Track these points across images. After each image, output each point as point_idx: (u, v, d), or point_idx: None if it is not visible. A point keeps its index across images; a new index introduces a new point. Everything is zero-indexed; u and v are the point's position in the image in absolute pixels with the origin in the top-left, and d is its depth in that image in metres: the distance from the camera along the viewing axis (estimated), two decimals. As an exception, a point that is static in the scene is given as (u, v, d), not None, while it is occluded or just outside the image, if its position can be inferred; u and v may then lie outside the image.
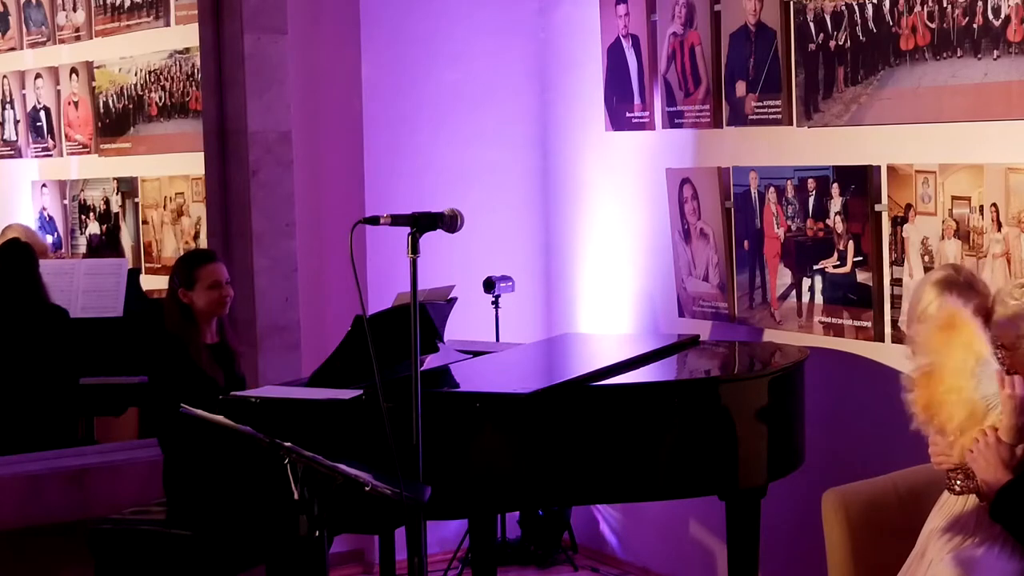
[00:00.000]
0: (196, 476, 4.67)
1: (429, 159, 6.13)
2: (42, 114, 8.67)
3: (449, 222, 3.72)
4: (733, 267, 5.38)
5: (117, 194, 8.08)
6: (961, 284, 3.70)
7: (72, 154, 8.49)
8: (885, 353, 4.81)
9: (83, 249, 8.28)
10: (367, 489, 3.43)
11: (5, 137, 9.01)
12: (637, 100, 5.79)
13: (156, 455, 5.08)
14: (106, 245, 8.14)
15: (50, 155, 8.69)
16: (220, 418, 3.64)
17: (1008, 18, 4.28)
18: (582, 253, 6.26)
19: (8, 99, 8.96)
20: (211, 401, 4.27)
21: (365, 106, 6.00)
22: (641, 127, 5.79)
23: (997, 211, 4.36)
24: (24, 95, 8.82)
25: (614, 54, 5.89)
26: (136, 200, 7.96)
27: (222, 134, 5.88)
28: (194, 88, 7.39)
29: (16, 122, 8.91)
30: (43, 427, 6.25)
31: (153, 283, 7.62)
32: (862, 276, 4.87)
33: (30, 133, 8.79)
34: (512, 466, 4.24)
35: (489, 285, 5.97)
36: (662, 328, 5.77)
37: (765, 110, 5.17)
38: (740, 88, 5.26)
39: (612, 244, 6.07)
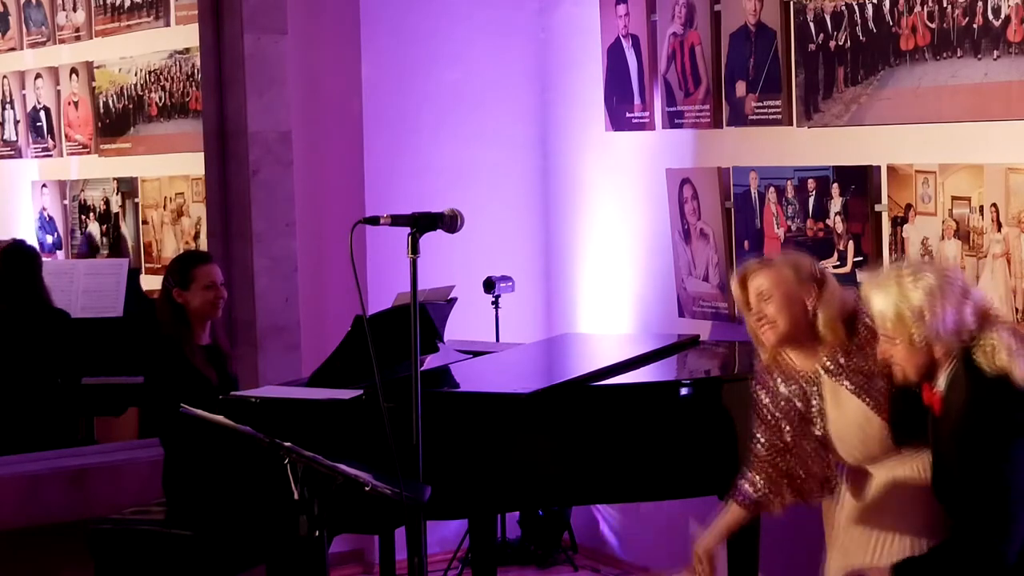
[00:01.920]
0: (196, 476, 4.67)
1: (429, 159, 6.12)
2: (42, 114, 8.67)
3: (449, 222, 3.72)
4: (733, 267, 5.36)
5: (117, 194, 8.08)
6: None
7: (72, 154, 8.50)
8: (885, 353, 4.80)
9: (83, 249, 8.28)
10: (367, 489, 3.43)
11: (5, 137, 9.01)
12: (637, 100, 5.79)
13: (156, 455, 5.08)
14: (106, 245, 8.14)
15: (50, 155, 8.69)
16: (220, 418, 3.64)
17: (1008, 18, 4.28)
18: (582, 253, 6.25)
19: (8, 99, 8.96)
20: (210, 401, 4.27)
21: (365, 106, 5.99)
22: (641, 127, 5.79)
23: (997, 211, 4.36)
24: (24, 95, 8.82)
25: (614, 54, 5.89)
26: (136, 200, 7.96)
27: (222, 134, 5.88)
28: (194, 88, 7.39)
29: (16, 122, 8.91)
30: (43, 427, 6.26)
31: (153, 283, 7.62)
32: (862, 276, 4.86)
33: (30, 133, 8.79)
34: (512, 466, 4.24)
35: (489, 285, 5.96)
36: (662, 328, 5.76)
37: (765, 110, 5.16)
38: (740, 88, 5.26)
39: (612, 244, 6.07)
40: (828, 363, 3.71)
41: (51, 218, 8.58)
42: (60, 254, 8.44)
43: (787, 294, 3.71)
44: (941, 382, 3.42)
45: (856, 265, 4.88)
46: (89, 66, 8.27)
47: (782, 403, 3.79)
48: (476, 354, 5.09)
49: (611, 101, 5.94)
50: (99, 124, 8.21)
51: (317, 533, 3.45)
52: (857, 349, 3.68)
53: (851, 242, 4.89)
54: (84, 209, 8.32)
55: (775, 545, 5.02)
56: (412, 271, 3.62)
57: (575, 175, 6.26)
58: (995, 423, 3.30)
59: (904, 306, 3.38)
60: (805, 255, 3.86)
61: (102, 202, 8.18)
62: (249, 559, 4.69)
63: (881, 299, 3.44)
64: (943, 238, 4.55)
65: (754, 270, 3.79)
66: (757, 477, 3.83)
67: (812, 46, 4.96)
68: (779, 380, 3.80)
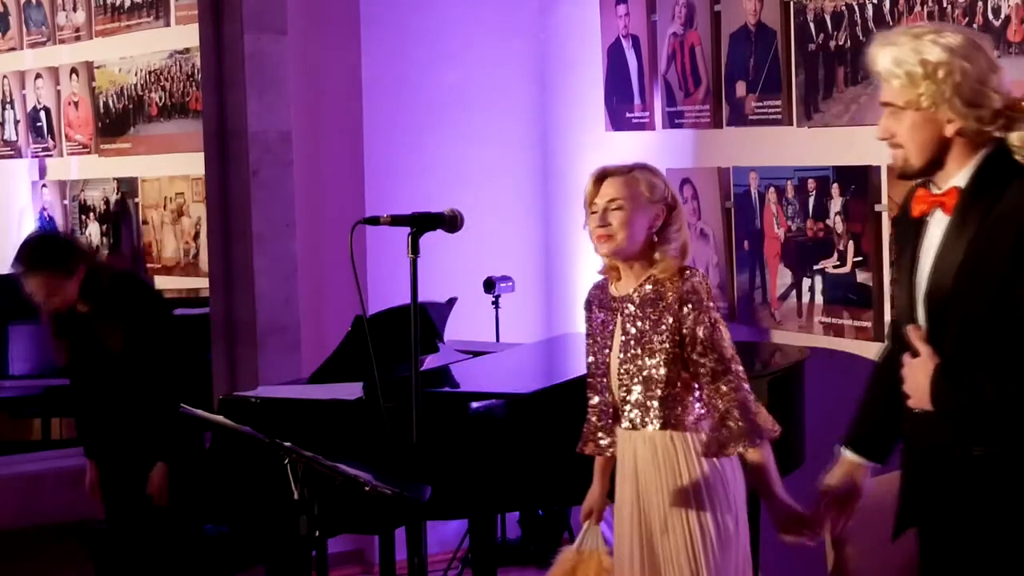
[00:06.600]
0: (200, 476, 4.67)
1: (429, 159, 6.12)
2: (42, 114, 8.68)
3: (449, 222, 3.72)
4: (733, 267, 5.38)
5: (117, 194, 8.09)
6: None
7: (72, 154, 8.50)
8: (885, 353, 4.80)
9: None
10: (367, 489, 3.43)
11: (5, 137, 9.02)
12: (637, 100, 5.79)
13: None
14: (106, 245, 8.14)
15: (50, 155, 8.69)
16: (220, 418, 3.64)
17: (1008, 18, 4.28)
18: (582, 253, 6.25)
19: (8, 99, 8.97)
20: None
21: (365, 106, 5.99)
22: (641, 127, 5.79)
23: (997, 211, 4.35)
24: (24, 95, 8.83)
25: (614, 54, 5.89)
26: (136, 200, 7.96)
27: (222, 134, 5.88)
28: (194, 88, 7.39)
29: (16, 122, 8.91)
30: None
31: (154, 283, 7.62)
32: (862, 276, 4.86)
33: (30, 133, 8.79)
34: (512, 466, 4.24)
35: (489, 285, 5.96)
36: (662, 328, 5.75)
37: (765, 110, 5.17)
38: (740, 88, 5.26)
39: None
40: (635, 297, 3.64)
41: (51, 218, 8.59)
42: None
43: (635, 210, 3.62)
44: (959, 177, 2.78)
45: (856, 265, 4.89)
46: (89, 66, 8.27)
47: (598, 325, 3.73)
48: (476, 354, 5.08)
49: (611, 101, 5.94)
50: (99, 124, 8.22)
51: (317, 533, 3.45)
52: (653, 298, 3.61)
53: (851, 242, 4.89)
54: (84, 209, 8.32)
55: (775, 545, 5.02)
56: (412, 271, 3.62)
57: (575, 175, 6.25)
58: None
59: (915, 60, 2.74)
60: (660, 175, 3.70)
61: (102, 202, 8.18)
62: (249, 559, 4.69)
63: (889, 53, 2.79)
64: (943, 238, 4.54)
65: (612, 173, 3.67)
66: (592, 400, 3.69)
67: (812, 46, 4.96)
68: (595, 306, 3.75)
